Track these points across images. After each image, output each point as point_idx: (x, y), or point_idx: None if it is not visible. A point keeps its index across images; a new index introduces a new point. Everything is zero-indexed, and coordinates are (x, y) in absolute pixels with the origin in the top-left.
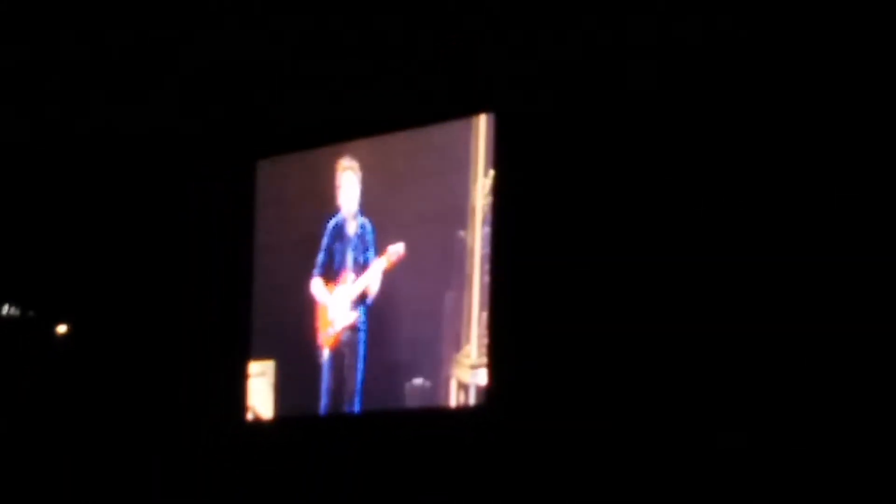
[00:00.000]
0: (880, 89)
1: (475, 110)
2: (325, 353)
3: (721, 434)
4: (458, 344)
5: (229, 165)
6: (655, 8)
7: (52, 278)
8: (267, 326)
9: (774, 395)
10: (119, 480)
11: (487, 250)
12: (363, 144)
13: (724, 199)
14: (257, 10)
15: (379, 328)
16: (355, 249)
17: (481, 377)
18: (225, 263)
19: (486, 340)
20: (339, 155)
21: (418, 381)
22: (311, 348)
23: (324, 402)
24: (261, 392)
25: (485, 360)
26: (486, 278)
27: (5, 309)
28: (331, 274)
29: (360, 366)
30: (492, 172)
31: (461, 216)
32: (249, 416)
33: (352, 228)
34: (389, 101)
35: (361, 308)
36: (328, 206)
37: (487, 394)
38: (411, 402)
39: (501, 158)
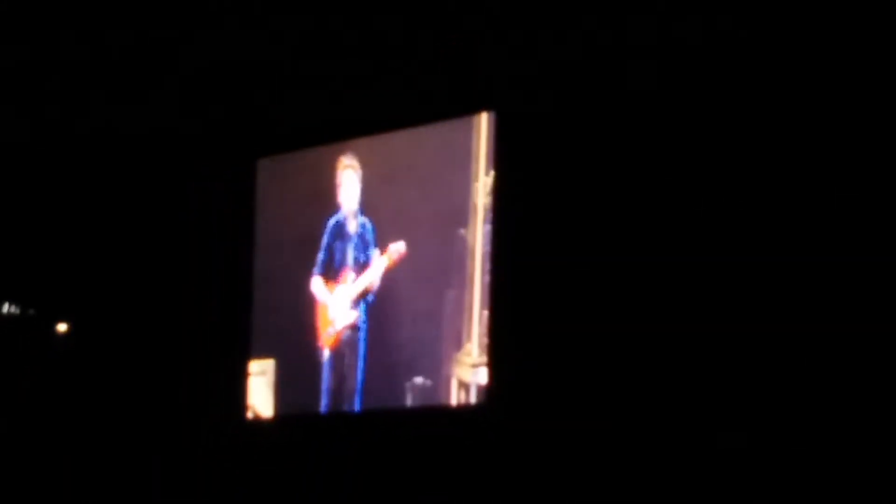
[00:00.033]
0: (880, 89)
1: (475, 109)
2: (326, 353)
3: (720, 434)
4: (458, 343)
5: (229, 165)
6: (655, 8)
7: (52, 277)
8: (267, 325)
9: (774, 395)
10: (119, 479)
11: (488, 249)
12: (363, 143)
13: (723, 199)
14: (257, 10)
15: (379, 327)
16: (356, 248)
17: (482, 376)
18: (225, 262)
19: (486, 339)
20: (339, 153)
21: (419, 380)
22: (312, 348)
23: (324, 402)
24: (260, 391)
25: (485, 358)
26: (487, 277)
27: (5, 307)
28: (331, 273)
29: (361, 365)
30: (493, 172)
31: (462, 215)
32: (249, 415)
33: (352, 227)
34: (390, 100)
35: (362, 307)
36: (328, 204)
37: (487, 393)
38: (412, 401)
39: (502, 158)
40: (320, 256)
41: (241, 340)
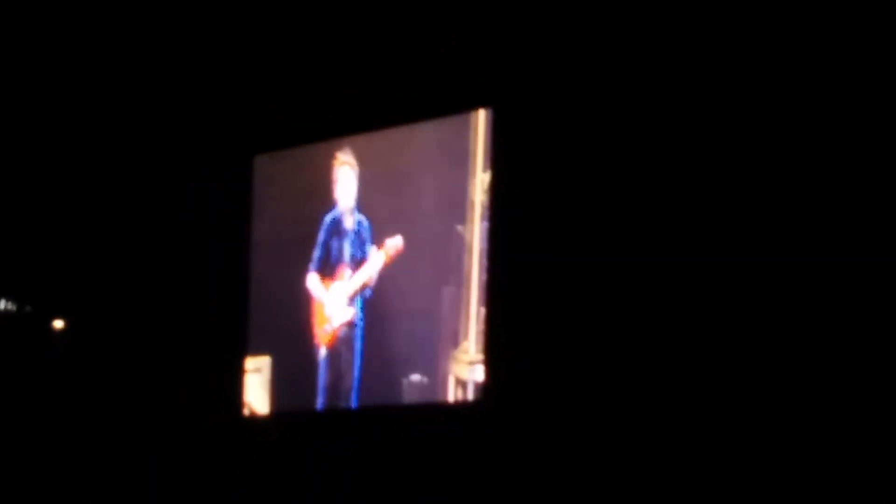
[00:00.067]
0: (880, 89)
1: (472, 107)
2: (322, 351)
3: (716, 432)
4: (456, 340)
5: (226, 162)
6: (655, 8)
7: (48, 274)
8: (263, 323)
9: (773, 395)
10: (115, 475)
11: (486, 246)
12: (360, 139)
13: (722, 198)
14: (257, 10)
15: (376, 324)
16: (352, 244)
17: (479, 373)
18: (222, 260)
19: (484, 336)
20: (335, 150)
21: (416, 377)
22: (308, 345)
23: (320, 399)
24: (256, 388)
25: (483, 356)
26: (485, 274)
27: (2, 304)
28: (327, 269)
29: (357, 362)
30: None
31: (460, 211)
32: (245, 413)
33: (349, 223)
34: (387, 97)
35: (359, 303)
36: (325, 201)
37: (484, 390)
38: (409, 398)
39: (499, 155)
40: (316, 253)
41: (237, 337)
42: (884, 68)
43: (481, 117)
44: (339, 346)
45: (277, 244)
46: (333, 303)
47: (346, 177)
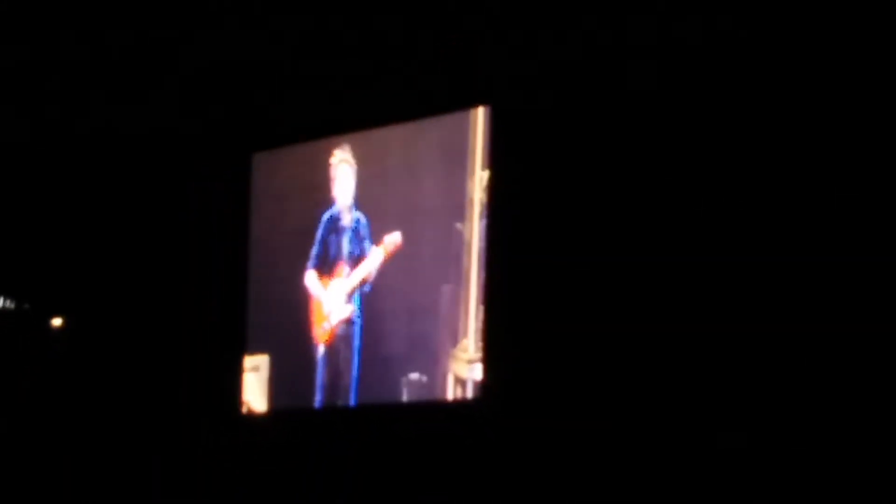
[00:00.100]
0: (880, 89)
1: (470, 105)
2: (321, 349)
3: (714, 432)
4: (455, 338)
5: (225, 160)
6: (655, 8)
7: (47, 272)
8: (262, 321)
9: (773, 394)
10: (114, 474)
11: (486, 243)
12: (358, 137)
13: (722, 198)
14: (257, 10)
15: (375, 322)
16: (350, 242)
17: (478, 372)
18: (221, 258)
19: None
20: (333, 147)
21: (415, 375)
22: (306, 343)
23: (318, 398)
24: (254, 387)
25: (482, 354)
26: (484, 272)
27: (0, 302)
28: (325, 267)
29: (356, 360)
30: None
31: (459, 209)
32: (243, 411)
33: (346, 221)
34: (386, 96)
35: (357, 301)
36: (324, 199)
37: (483, 389)
38: (408, 397)
39: (498, 154)
40: (314, 250)
41: (236, 336)
42: (884, 68)
43: (480, 115)
44: (338, 344)
45: (276, 242)
46: (332, 300)
47: (344, 175)
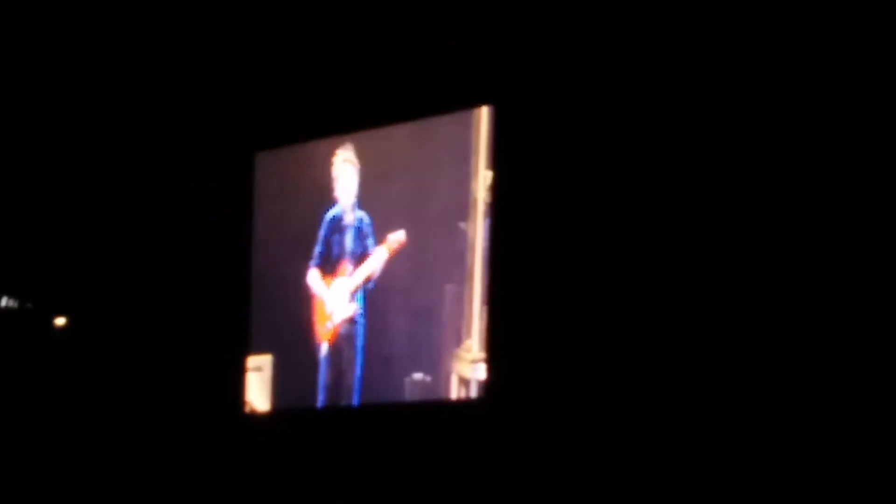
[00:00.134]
0: (880, 89)
1: (472, 105)
2: (324, 348)
3: (717, 432)
4: (458, 338)
5: (227, 160)
6: (655, 8)
7: (51, 271)
8: (264, 321)
9: (773, 394)
10: (115, 473)
11: (489, 243)
12: (361, 137)
13: (723, 198)
14: (257, 10)
15: (378, 321)
16: (354, 241)
17: (482, 372)
18: (223, 258)
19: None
20: (336, 147)
21: (418, 376)
22: (309, 343)
23: (321, 398)
24: (257, 387)
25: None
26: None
27: (3, 301)
28: (328, 266)
29: (359, 359)
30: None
31: (462, 208)
32: (246, 411)
33: (349, 220)
34: (388, 96)
35: (360, 300)
36: (326, 198)
37: (485, 388)
38: (411, 397)
39: (501, 154)
40: (317, 249)
41: (239, 336)
42: (884, 68)
43: (484, 114)
44: (341, 343)
45: (278, 242)
46: (335, 299)
47: (346, 174)
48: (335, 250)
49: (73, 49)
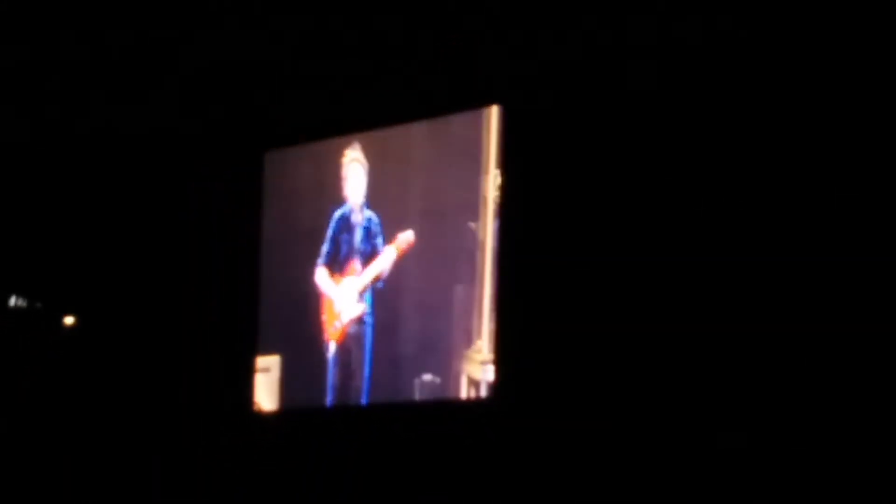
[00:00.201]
0: (880, 89)
1: (481, 106)
2: (332, 347)
3: (721, 433)
4: (469, 339)
5: (236, 160)
6: (656, 8)
7: (60, 271)
8: (273, 320)
9: (777, 395)
10: (123, 472)
11: (497, 243)
12: (369, 136)
13: (737, 199)
14: (257, 10)
15: (387, 321)
16: (362, 240)
17: (493, 374)
18: (232, 258)
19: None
20: (344, 147)
21: (427, 377)
22: (318, 343)
23: (329, 399)
24: (265, 388)
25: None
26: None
27: (13, 300)
28: (336, 265)
29: (368, 359)
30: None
31: (472, 208)
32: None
33: (358, 219)
34: (396, 98)
35: (368, 299)
36: (334, 197)
37: (494, 390)
38: (420, 399)
39: (510, 154)
40: (325, 248)
41: (248, 336)
42: (884, 68)
43: (494, 114)
44: (349, 343)
45: (287, 242)
46: (343, 298)
47: (355, 173)
48: (343, 249)
49: (73, 49)
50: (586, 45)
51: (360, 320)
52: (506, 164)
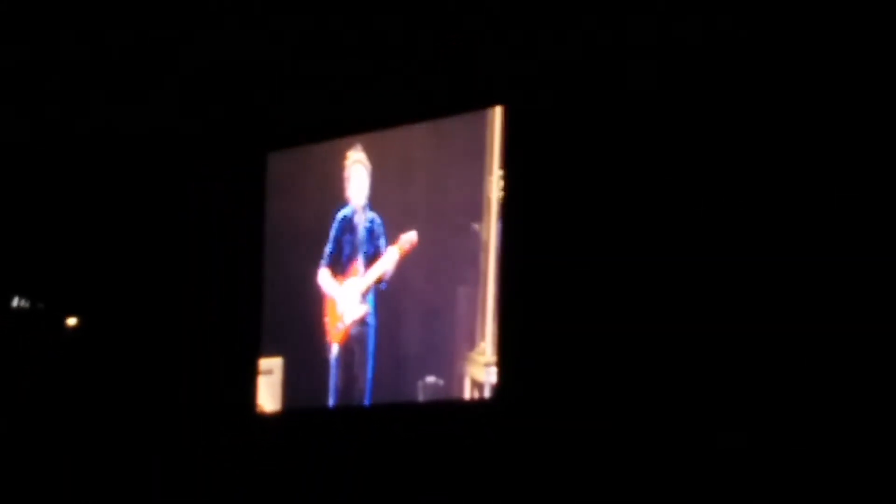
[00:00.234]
0: (880, 89)
1: (484, 106)
2: (335, 349)
3: (724, 433)
4: (472, 341)
5: (239, 161)
6: (656, 8)
7: (63, 272)
8: (275, 322)
9: (777, 395)
10: (126, 473)
11: (500, 244)
12: (372, 137)
13: (726, 198)
14: (257, 10)
15: (390, 323)
16: (365, 241)
17: (496, 376)
18: (235, 258)
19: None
20: (347, 148)
21: (431, 379)
22: (320, 344)
23: (332, 401)
24: (268, 390)
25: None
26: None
27: (15, 301)
28: (339, 266)
29: (370, 362)
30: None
31: (476, 209)
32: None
33: (361, 220)
34: (399, 99)
35: (371, 301)
36: (337, 198)
37: (496, 391)
38: (424, 400)
39: (512, 154)
40: (328, 249)
41: (251, 338)
42: (884, 68)
43: (498, 115)
44: (352, 345)
45: (290, 243)
46: (346, 299)
47: (358, 175)
48: (346, 250)
49: (73, 49)
50: (586, 46)
51: (362, 322)
52: (508, 164)
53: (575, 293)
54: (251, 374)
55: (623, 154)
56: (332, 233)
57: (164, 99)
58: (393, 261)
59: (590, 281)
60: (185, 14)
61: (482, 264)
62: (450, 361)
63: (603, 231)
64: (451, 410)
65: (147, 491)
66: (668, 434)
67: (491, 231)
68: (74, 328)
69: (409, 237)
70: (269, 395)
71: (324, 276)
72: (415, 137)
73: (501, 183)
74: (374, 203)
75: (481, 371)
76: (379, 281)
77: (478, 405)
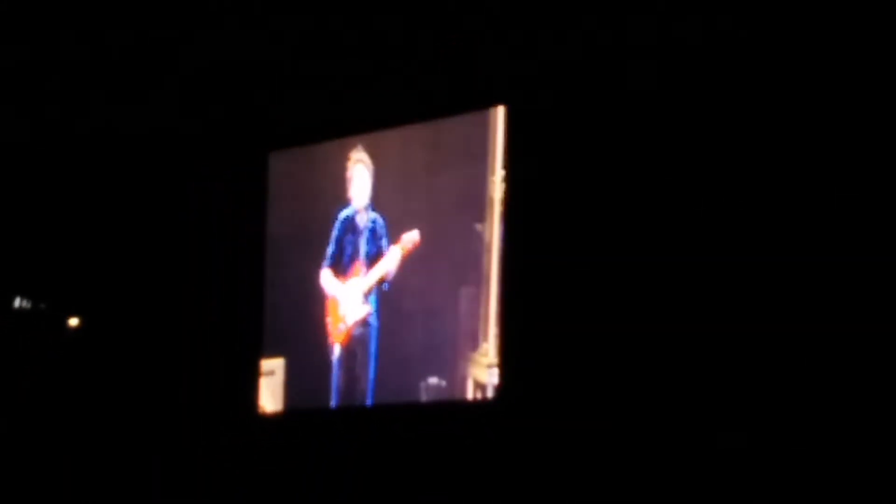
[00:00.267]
0: (880, 89)
1: (485, 106)
2: (337, 350)
3: (725, 433)
4: (475, 342)
5: (241, 161)
6: (655, 8)
7: (65, 272)
8: (277, 323)
9: (777, 395)
10: (127, 474)
11: (502, 245)
12: (374, 137)
13: (727, 198)
14: (257, 10)
15: (392, 323)
16: (367, 241)
17: (499, 376)
18: (237, 259)
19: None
20: (349, 147)
21: (433, 380)
22: (322, 345)
23: (334, 402)
24: (270, 391)
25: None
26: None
27: (17, 301)
28: (341, 267)
29: (372, 363)
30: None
31: (478, 209)
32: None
33: (363, 221)
34: (400, 99)
35: (373, 301)
36: (340, 199)
37: (498, 392)
38: (426, 400)
39: (514, 154)
40: (330, 249)
41: (252, 338)
42: (884, 68)
43: (500, 114)
44: (354, 346)
45: (292, 243)
46: (348, 300)
47: (360, 175)
48: (348, 250)
49: (73, 49)
50: (586, 46)
51: (364, 322)
52: (510, 165)
53: (577, 294)
54: (253, 374)
55: (624, 154)
56: (334, 233)
57: (164, 99)
58: (395, 261)
59: (592, 281)
60: (185, 14)
61: (484, 265)
62: (452, 362)
63: (605, 231)
64: (454, 411)
65: (148, 491)
66: (669, 434)
67: (493, 231)
68: (76, 329)
69: (411, 236)
70: (270, 396)
71: (326, 277)
72: (416, 138)
73: (503, 183)
74: (376, 203)
75: (483, 372)
76: (381, 281)
77: (480, 406)
